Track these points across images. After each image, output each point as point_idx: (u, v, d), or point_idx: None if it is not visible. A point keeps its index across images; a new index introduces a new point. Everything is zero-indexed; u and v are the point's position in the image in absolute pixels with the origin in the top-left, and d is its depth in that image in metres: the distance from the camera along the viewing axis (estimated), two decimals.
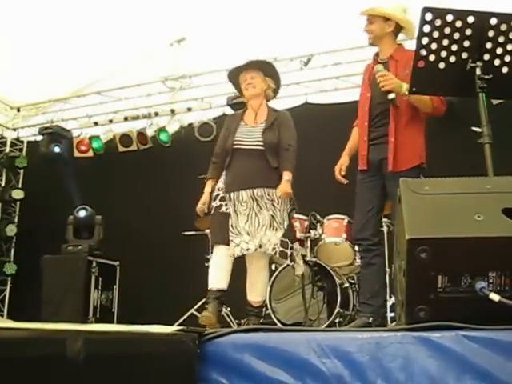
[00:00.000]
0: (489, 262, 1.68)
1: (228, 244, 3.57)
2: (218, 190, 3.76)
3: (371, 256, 3.43)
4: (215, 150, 3.90)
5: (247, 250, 3.56)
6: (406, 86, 3.11)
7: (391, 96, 3.23)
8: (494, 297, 1.64)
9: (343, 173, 3.61)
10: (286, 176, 3.62)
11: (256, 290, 3.71)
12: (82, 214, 6.25)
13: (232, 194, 3.63)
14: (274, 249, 3.56)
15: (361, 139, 3.49)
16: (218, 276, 3.61)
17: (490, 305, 1.64)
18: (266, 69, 3.86)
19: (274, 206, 3.62)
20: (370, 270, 3.45)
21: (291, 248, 3.63)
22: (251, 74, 3.81)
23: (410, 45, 3.36)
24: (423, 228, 1.70)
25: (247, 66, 3.85)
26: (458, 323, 1.59)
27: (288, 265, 4.45)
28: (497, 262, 1.69)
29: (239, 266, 3.70)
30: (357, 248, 4.58)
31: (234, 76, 3.92)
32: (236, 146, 3.72)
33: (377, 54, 3.55)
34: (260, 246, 3.57)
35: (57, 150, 7.23)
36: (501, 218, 1.70)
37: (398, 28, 3.47)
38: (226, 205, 3.64)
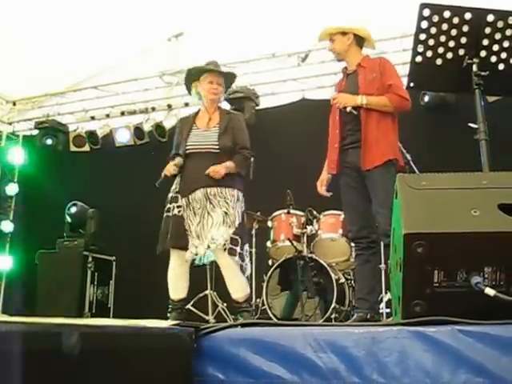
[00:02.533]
0: (484, 257, 1.69)
1: (184, 248, 3.62)
2: (172, 191, 3.78)
3: (369, 253, 3.51)
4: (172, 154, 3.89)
5: (196, 254, 3.62)
6: (360, 98, 3.43)
7: (348, 109, 3.47)
8: (490, 291, 1.65)
9: (324, 188, 3.79)
10: (228, 163, 3.68)
11: (234, 287, 3.70)
12: (73, 210, 6.26)
13: (190, 197, 3.66)
14: (224, 245, 3.56)
15: (331, 146, 3.64)
16: (176, 286, 3.74)
17: (485, 299, 1.65)
18: (228, 81, 3.94)
19: (227, 203, 3.64)
20: (367, 266, 3.53)
21: (241, 248, 3.63)
22: (218, 81, 3.87)
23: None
24: (420, 223, 1.71)
25: (220, 73, 3.91)
26: (454, 318, 1.60)
27: (285, 260, 4.47)
28: (492, 257, 1.69)
29: None
30: (353, 244, 4.66)
31: (199, 72, 3.89)
32: (189, 151, 3.75)
33: (345, 68, 3.73)
34: (208, 247, 3.58)
35: (49, 142, 7.21)
36: (497, 213, 1.71)
37: (360, 40, 3.65)
38: (179, 206, 3.67)
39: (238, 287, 3.69)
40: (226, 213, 3.61)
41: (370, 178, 3.44)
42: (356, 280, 3.86)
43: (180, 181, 3.78)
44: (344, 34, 3.61)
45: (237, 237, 3.61)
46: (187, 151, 3.76)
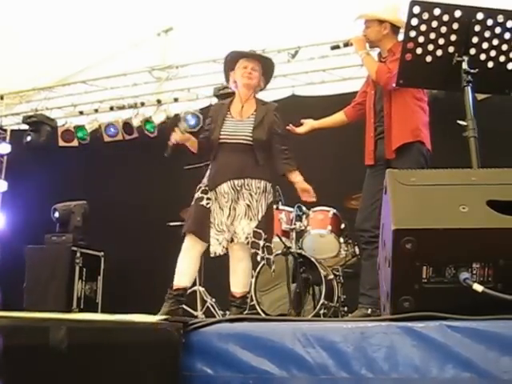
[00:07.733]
0: (473, 253, 1.70)
1: (202, 238, 3.54)
2: (202, 183, 3.67)
3: (372, 248, 3.46)
4: (200, 140, 3.78)
5: (226, 248, 3.54)
6: (362, 51, 3.48)
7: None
8: (478, 287, 1.66)
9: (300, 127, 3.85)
10: (298, 176, 3.66)
11: (236, 281, 3.65)
12: (57, 214, 6.24)
13: (217, 190, 3.57)
14: (246, 238, 3.50)
15: (368, 136, 3.56)
16: (182, 271, 3.58)
17: (473, 295, 1.66)
18: (265, 67, 3.82)
19: (251, 195, 3.56)
20: (370, 261, 3.46)
21: (265, 240, 3.55)
22: (253, 65, 3.74)
23: None
24: (409, 219, 1.71)
25: (253, 56, 3.82)
26: (442, 313, 1.61)
27: (277, 255, 4.46)
28: (480, 254, 1.71)
29: (224, 257, 3.68)
30: (342, 240, 4.68)
31: (234, 59, 3.76)
32: (222, 140, 3.63)
33: (379, 54, 3.63)
34: (232, 240, 3.52)
35: (37, 137, 7.15)
36: (485, 209, 1.72)
37: (396, 28, 3.53)
38: (208, 199, 3.57)
39: (241, 282, 3.65)
40: (248, 205, 3.54)
41: (394, 162, 3.34)
42: (361, 275, 3.82)
43: (209, 173, 3.66)
44: (381, 22, 3.51)
45: (260, 230, 3.53)
46: (220, 140, 3.63)
